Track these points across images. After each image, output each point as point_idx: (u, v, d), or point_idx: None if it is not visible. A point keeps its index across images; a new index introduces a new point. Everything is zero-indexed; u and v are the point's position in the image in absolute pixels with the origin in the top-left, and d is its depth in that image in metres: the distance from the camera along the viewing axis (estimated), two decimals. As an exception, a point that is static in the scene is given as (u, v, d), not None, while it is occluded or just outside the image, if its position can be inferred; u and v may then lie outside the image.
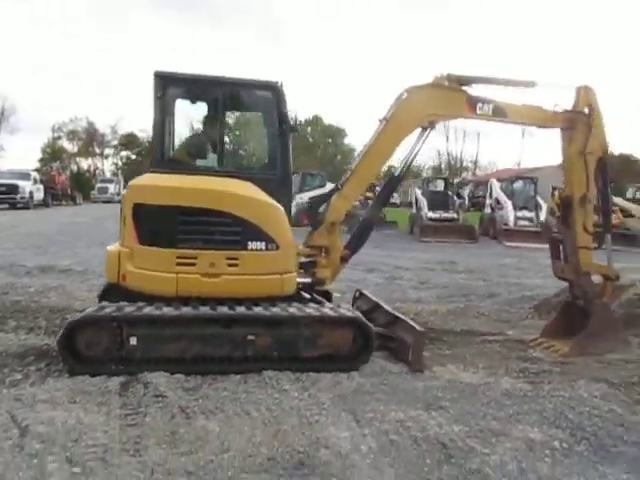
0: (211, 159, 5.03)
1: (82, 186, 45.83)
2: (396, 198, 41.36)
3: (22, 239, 13.03)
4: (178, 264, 4.38)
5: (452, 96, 5.28)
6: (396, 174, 5.51)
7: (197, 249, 4.40)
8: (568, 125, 5.47)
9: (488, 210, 19.75)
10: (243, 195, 4.48)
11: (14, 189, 27.15)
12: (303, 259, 5.31)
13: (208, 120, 5.05)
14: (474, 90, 5.40)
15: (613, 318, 5.60)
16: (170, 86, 4.79)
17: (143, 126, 52.85)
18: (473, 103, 5.27)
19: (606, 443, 3.48)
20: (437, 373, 4.71)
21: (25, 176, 28.98)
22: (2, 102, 52.79)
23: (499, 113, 5.35)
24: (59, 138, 60.83)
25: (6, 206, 26.98)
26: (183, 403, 3.69)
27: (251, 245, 4.49)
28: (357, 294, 6.60)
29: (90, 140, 61.75)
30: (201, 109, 5.09)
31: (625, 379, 4.69)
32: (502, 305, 7.82)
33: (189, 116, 5.15)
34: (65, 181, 38.63)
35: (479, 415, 3.81)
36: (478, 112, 5.29)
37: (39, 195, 30.21)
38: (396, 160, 5.87)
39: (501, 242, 16.99)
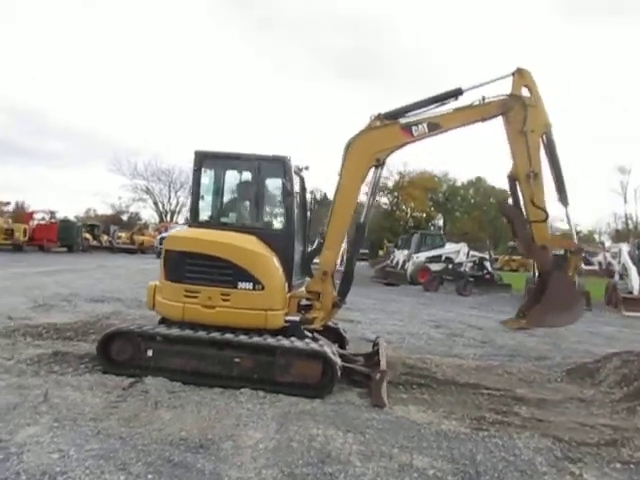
0: (231, 217, 6.36)
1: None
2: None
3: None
4: (185, 296, 5.68)
5: (387, 131, 5.93)
6: (361, 220, 6.13)
7: (199, 285, 5.65)
8: (504, 110, 5.80)
9: (616, 277, 18.13)
10: (236, 245, 5.68)
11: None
12: (304, 301, 6.28)
13: (231, 186, 6.41)
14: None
15: (571, 290, 5.59)
16: (205, 161, 6.26)
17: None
18: (408, 129, 5.86)
19: (482, 479, 3.79)
20: (394, 410, 5.20)
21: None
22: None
23: (434, 127, 5.86)
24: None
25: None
26: (159, 399, 4.86)
27: (240, 285, 5.62)
28: (376, 339, 7.26)
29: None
30: (228, 178, 6.46)
31: (583, 440, 4.69)
32: (541, 368, 7.68)
33: (218, 184, 6.51)
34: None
35: (389, 443, 4.31)
36: (415, 134, 5.86)
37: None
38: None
39: (620, 311, 15.52)
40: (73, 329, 7.63)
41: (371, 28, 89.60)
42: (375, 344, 7.21)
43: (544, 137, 5.87)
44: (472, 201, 65.86)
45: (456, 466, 3.96)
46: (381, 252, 44.45)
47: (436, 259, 21.50)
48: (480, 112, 5.88)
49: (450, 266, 19.63)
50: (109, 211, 61.59)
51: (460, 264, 19.40)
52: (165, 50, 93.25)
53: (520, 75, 5.86)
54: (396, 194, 61.21)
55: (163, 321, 6.48)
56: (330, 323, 6.86)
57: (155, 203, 63.35)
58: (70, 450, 3.66)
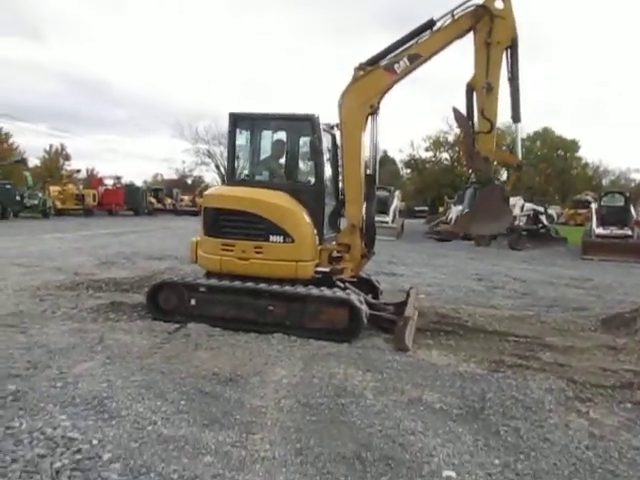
0: (265, 175, 6.70)
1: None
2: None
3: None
4: (222, 249, 6.14)
5: (372, 76, 6.03)
6: (369, 172, 6.25)
7: (234, 239, 6.08)
8: (474, 20, 5.80)
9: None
10: (267, 201, 6.03)
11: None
12: (335, 253, 6.59)
13: (264, 145, 6.72)
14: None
15: (501, 202, 5.90)
16: (238, 122, 6.58)
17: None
18: (390, 68, 5.97)
19: (486, 413, 4.04)
20: (416, 354, 5.49)
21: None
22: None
23: (414, 58, 5.93)
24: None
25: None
26: (199, 341, 5.39)
27: (272, 238, 6.00)
28: (409, 289, 7.50)
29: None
30: (260, 137, 6.77)
31: (599, 383, 4.80)
32: (578, 318, 7.67)
33: (252, 143, 6.83)
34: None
35: (404, 381, 4.62)
36: (398, 71, 5.95)
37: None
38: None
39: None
40: (130, 283, 8.37)
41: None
42: (407, 294, 7.46)
43: (509, 52, 5.84)
44: (538, 153, 62.98)
45: (464, 402, 4.22)
46: (441, 209, 43.81)
47: (489, 213, 21.01)
48: (454, 29, 5.89)
49: (503, 220, 19.20)
50: (174, 176, 63.83)
51: (514, 217, 18.96)
52: (215, 16, 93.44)
53: None
54: (457, 149, 59.27)
55: (209, 274, 7.02)
56: (363, 275, 7.17)
57: (217, 166, 64.71)
58: (117, 381, 4.22)
